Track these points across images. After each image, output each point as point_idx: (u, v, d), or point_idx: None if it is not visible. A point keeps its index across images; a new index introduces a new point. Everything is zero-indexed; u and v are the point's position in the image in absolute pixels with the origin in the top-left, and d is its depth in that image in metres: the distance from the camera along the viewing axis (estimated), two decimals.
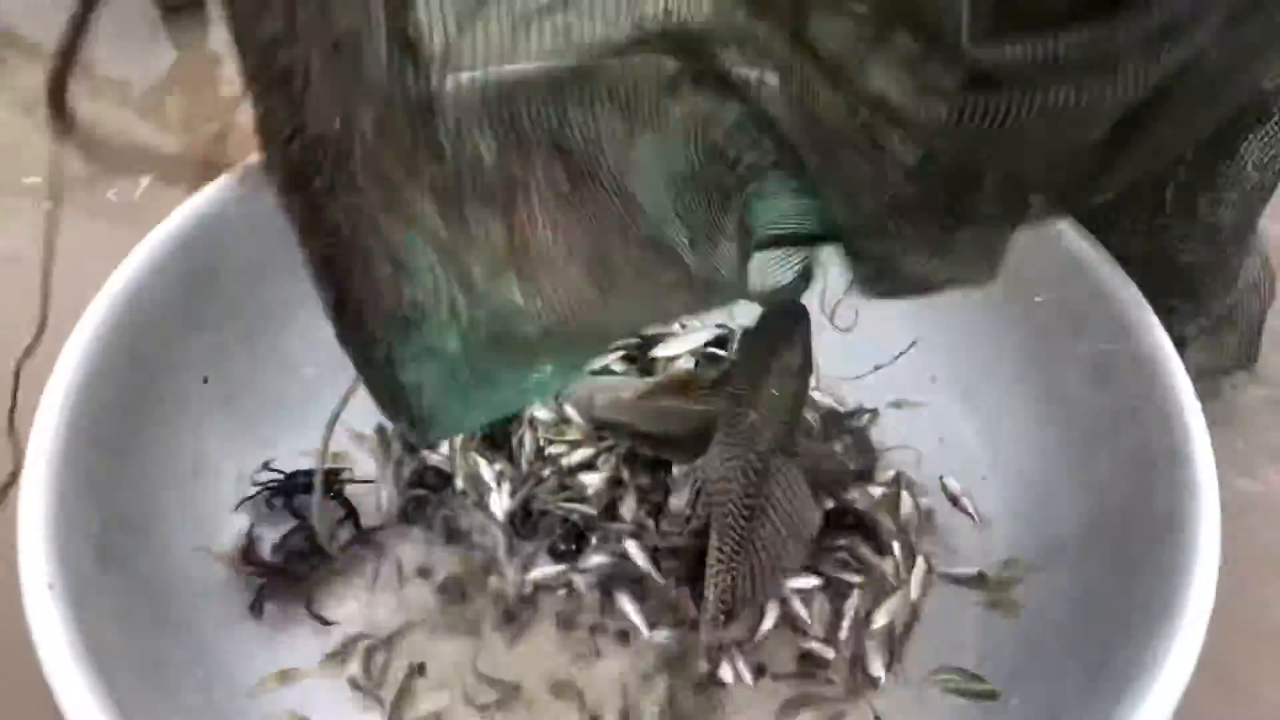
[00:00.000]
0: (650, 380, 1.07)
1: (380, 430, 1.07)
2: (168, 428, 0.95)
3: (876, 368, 1.12)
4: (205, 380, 0.99)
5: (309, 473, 0.98)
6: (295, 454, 1.01)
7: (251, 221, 0.97)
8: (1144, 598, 0.78)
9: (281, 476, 1.01)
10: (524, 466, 1.04)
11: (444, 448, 1.06)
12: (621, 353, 1.13)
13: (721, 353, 1.13)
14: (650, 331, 1.15)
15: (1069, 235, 0.94)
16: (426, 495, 1.03)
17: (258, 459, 1.02)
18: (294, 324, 1.02)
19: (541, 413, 1.07)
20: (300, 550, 0.97)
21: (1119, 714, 0.71)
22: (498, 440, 1.06)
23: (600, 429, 1.05)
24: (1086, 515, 0.91)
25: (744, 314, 1.15)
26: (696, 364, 1.12)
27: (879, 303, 1.10)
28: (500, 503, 1.01)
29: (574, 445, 1.04)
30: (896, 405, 1.10)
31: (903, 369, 1.10)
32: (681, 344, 1.14)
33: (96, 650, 0.74)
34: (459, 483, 1.04)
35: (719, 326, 1.16)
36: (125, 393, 0.91)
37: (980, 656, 0.92)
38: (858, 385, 1.11)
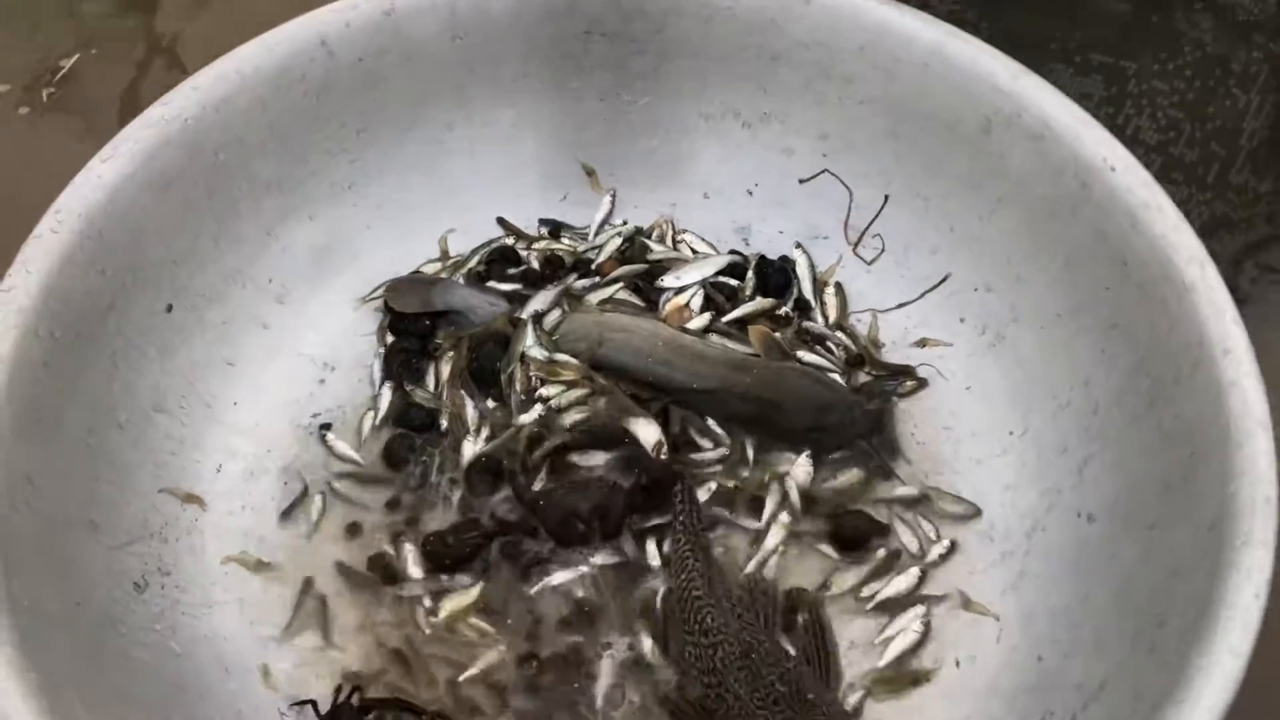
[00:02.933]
0: (669, 329, 0.99)
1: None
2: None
3: (901, 304, 1.03)
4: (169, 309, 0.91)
5: None
6: None
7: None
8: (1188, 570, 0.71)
9: None
10: (512, 406, 0.96)
11: (430, 383, 0.99)
12: (621, 284, 1.04)
13: (734, 282, 1.04)
14: (656, 256, 1.07)
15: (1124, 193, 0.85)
16: (410, 436, 0.96)
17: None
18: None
19: (535, 350, 0.98)
20: None
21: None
22: (487, 376, 0.98)
23: (599, 369, 0.97)
24: (1120, 487, 0.83)
25: (757, 242, 1.09)
26: (707, 298, 1.03)
27: (909, 231, 1.04)
28: (472, 448, 0.94)
29: (568, 386, 0.96)
30: (920, 344, 1.01)
31: (930, 305, 1.02)
32: (692, 272, 1.04)
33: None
34: (443, 421, 0.96)
35: (733, 253, 1.07)
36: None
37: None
38: (882, 321, 1.03)
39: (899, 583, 0.89)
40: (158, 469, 0.89)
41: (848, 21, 0.96)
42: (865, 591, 0.89)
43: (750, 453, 0.95)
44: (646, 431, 0.93)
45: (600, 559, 0.89)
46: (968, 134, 0.95)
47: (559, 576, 0.88)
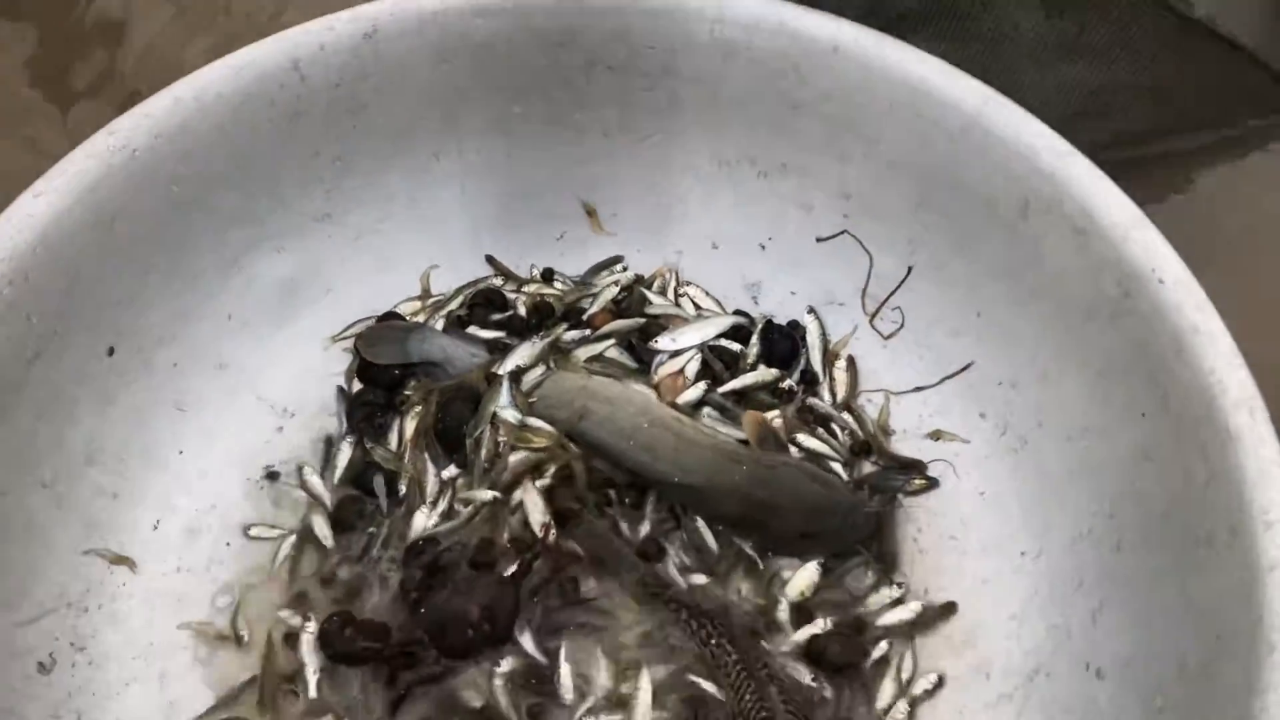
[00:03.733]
0: (660, 407, 0.89)
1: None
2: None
3: (918, 388, 0.93)
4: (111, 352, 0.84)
5: None
6: None
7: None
8: None
9: None
10: (474, 473, 0.88)
11: (393, 440, 0.91)
12: (613, 340, 0.95)
13: (736, 347, 0.95)
14: (655, 310, 0.97)
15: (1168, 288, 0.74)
16: (362, 500, 0.88)
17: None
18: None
19: (508, 412, 0.90)
20: None
21: None
22: (454, 437, 0.90)
23: (575, 441, 0.88)
24: (1135, 648, 0.73)
25: (767, 302, 0.99)
26: (705, 363, 0.94)
27: (932, 309, 0.94)
28: (424, 522, 0.86)
29: (536, 455, 0.88)
30: (934, 436, 0.91)
31: (949, 393, 0.91)
32: (691, 334, 0.95)
33: None
34: (401, 486, 0.88)
35: (739, 314, 0.97)
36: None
37: None
38: (895, 405, 0.93)
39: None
40: (86, 528, 0.82)
41: (877, 76, 0.86)
42: None
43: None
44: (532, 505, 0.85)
45: (507, 665, 0.78)
46: (1004, 214, 0.84)
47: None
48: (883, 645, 0.82)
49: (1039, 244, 0.82)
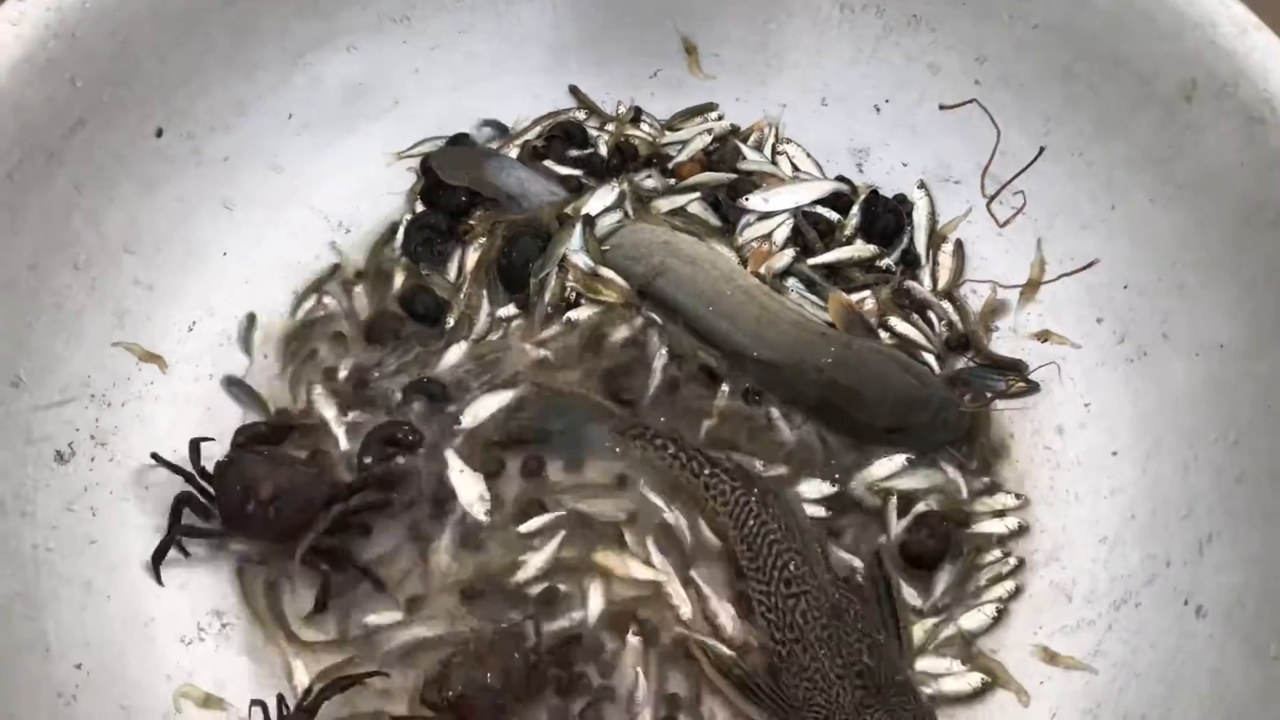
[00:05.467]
0: (746, 275, 0.82)
1: None
2: None
3: (1030, 283, 0.84)
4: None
5: None
6: None
7: None
8: None
9: None
10: (535, 318, 0.81)
11: (452, 271, 0.84)
12: (700, 194, 0.87)
13: (834, 216, 0.86)
14: (748, 166, 0.89)
15: None
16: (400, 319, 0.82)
17: None
18: None
19: (580, 257, 0.82)
20: None
21: None
22: (517, 276, 0.83)
23: (647, 299, 0.81)
24: (1247, 588, 0.65)
25: (874, 171, 0.90)
26: (796, 230, 0.85)
27: (1059, 197, 0.84)
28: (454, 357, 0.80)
29: (605, 309, 0.81)
30: (1042, 338, 0.83)
31: (1064, 292, 0.82)
32: (785, 196, 0.86)
33: None
34: (449, 318, 0.82)
35: (840, 180, 0.88)
36: None
37: None
38: (1002, 298, 0.84)
39: (970, 619, 0.73)
40: (118, 319, 0.76)
41: None
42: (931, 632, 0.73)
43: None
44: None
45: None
46: (1163, 94, 0.74)
47: None
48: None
49: (1201, 132, 0.72)
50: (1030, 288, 0.83)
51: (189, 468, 0.73)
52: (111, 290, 0.76)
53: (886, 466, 0.77)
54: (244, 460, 0.72)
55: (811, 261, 0.84)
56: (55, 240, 0.72)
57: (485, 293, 0.82)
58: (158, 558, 0.71)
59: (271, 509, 0.70)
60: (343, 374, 0.80)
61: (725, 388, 0.79)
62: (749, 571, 0.70)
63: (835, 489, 0.76)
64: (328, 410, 0.79)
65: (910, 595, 0.74)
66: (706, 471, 0.73)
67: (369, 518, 0.73)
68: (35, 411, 0.70)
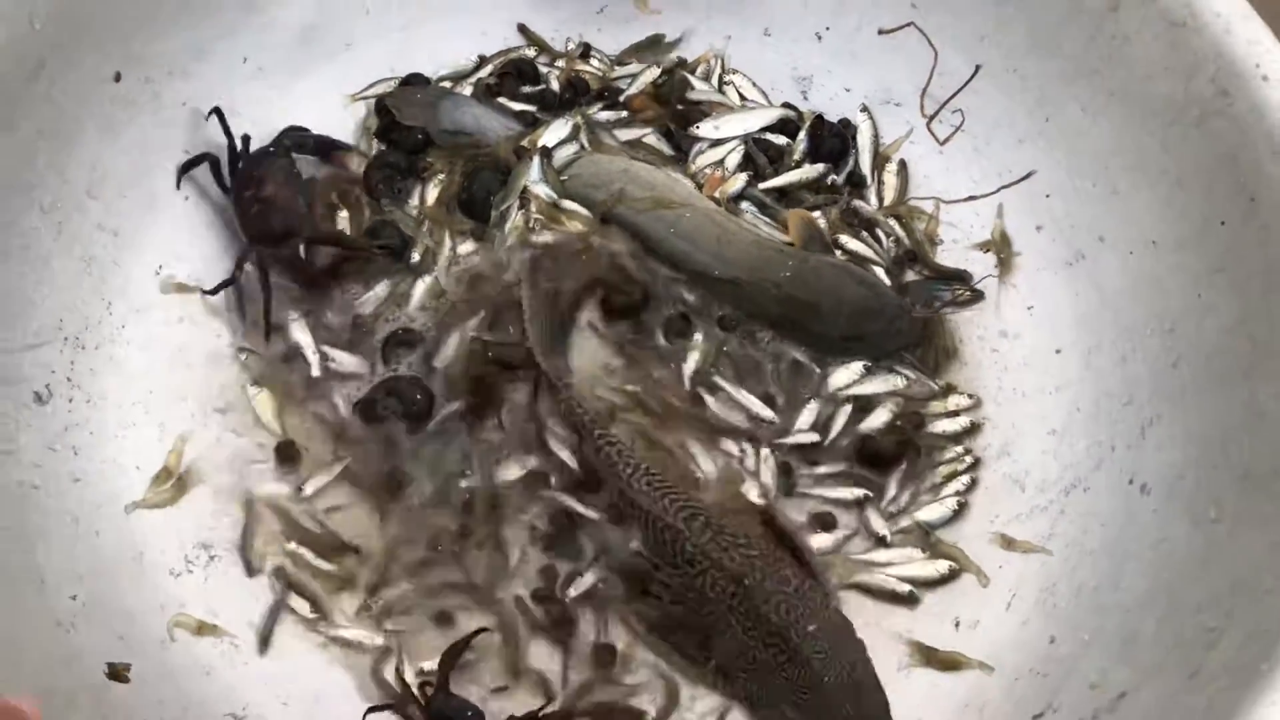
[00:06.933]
0: (704, 199, 0.84)
1: None
2: None
3: (971, 197, 0.88)
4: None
5: None
6: None
7: None
8: None
9: None
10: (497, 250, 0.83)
11: (414, 200, 0.86)
12: (651, 128, 0.89)
13: (782, 141, 0.89)
14: (697, 96, 0.91)
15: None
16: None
17: None
18: None
19: (541, 187, 0.84)
20: None
21: None
22: (478, 208, 0.85)
23: (608, 224, 0.83)
24: (1188, 462, 0.70)
25: (817, 98, 0.93)
26: (747, 156, 0.88)
27: (996, 112, 0.88)
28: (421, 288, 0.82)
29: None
30: (984, 248, 0.87)
31: (1004, 204, 0.86)
32: (735, 123, 0.89)
33: None
34: (414, 253, 0.83)
35: (786, 106, 0.91)
36: None
37: None
38: (945, 213, 0.88)
39: (931, 511, 0.77)
40: (85, 264, 0.77)
41: None
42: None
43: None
44: None
45: None
46: (1091, 6, 0.78)
47: None
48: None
49: (1128, 41, 0.77)
50: (1002, 259, 0.86)
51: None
52: (78, 234, 0.76)
53: (846, 375, 0.80)
54: (273, 159, 0.81)
55: (763, 186, 0.87)
56: (20, 183, 0.72)
57: (447, 227, 0.84)
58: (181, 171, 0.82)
59: (258, 205, 0.79)
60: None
61: (699, 335, 0.81)
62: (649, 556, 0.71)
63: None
64: (302, 336, 0.80)
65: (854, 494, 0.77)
66: (604, 452, 0.73)
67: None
68: (10, 354, 0.71)
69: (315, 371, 0.79)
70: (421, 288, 0.82)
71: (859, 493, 0.77)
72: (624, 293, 0.80)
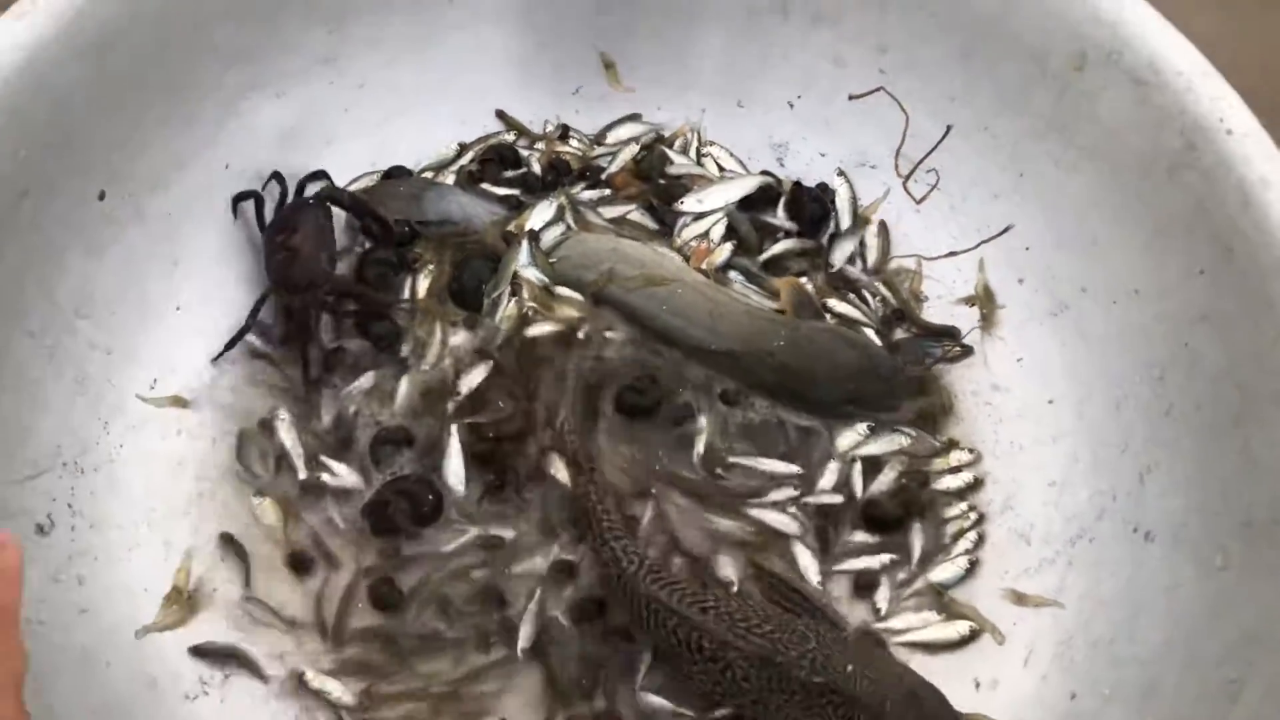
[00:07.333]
0: (694, 273, 0.86)
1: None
2: None
3: (952, 253, 0.89)
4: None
5: None
6: None
7: None
8: None
9: None
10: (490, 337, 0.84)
11: (406, 291, 0.86)
12: (635, 205, 0.90)
13: (774, 221, 0.90)
14: (677, 170, 0.92)
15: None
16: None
17: None
18: None
19: (530, 271, 0.85)
20: None
21: None
22: (468, 295, 0.85)
23: (600, 304, 0.84)
24: (1189, 510, 0.71)
25: (794, 164, 0.94)
26: (730, 229, 0.89)
27: (970, 170, 0.90)
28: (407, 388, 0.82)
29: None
30: (969, 302, 0.88)
31: (985, 260, 0.88)
32: (717, 195, 0.90)
33: None
34: (405, 346, 0.83)
35: (765, 174, 0.93)
36: None
37: None
38: (927, 271, 0.89)
39: (943, 571, 0.78)
40: (80, 385, 0.76)
41: None
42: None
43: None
44: None
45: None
46: (1056, 67, 0.80)
47: None
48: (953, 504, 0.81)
49: (1095, 99, 0.78)
50: (985, 314, 0.87)
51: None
52: (70, 356, 0.76)
53: (852, 437, 0.81)
54: (309, 209, 0.84)
55: (747, 259, 0.88)
56: (9, 311, 0.72)
57: (438, 320, 0.84)
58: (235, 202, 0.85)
59: (284, 252, 0.81)
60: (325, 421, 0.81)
61: (704, 419, 0.81)
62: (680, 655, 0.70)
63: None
64: (287, 438, 0.80)
65: (881, 560, 0.78)
66: (609, 547, 0.73)
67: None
68: (10, 487, 0.70)
69: (302, 475, 0.78)
70: (407, 385, 0.82)
71: (885, 559, 0.78)
72: (640, 393, 0.80)
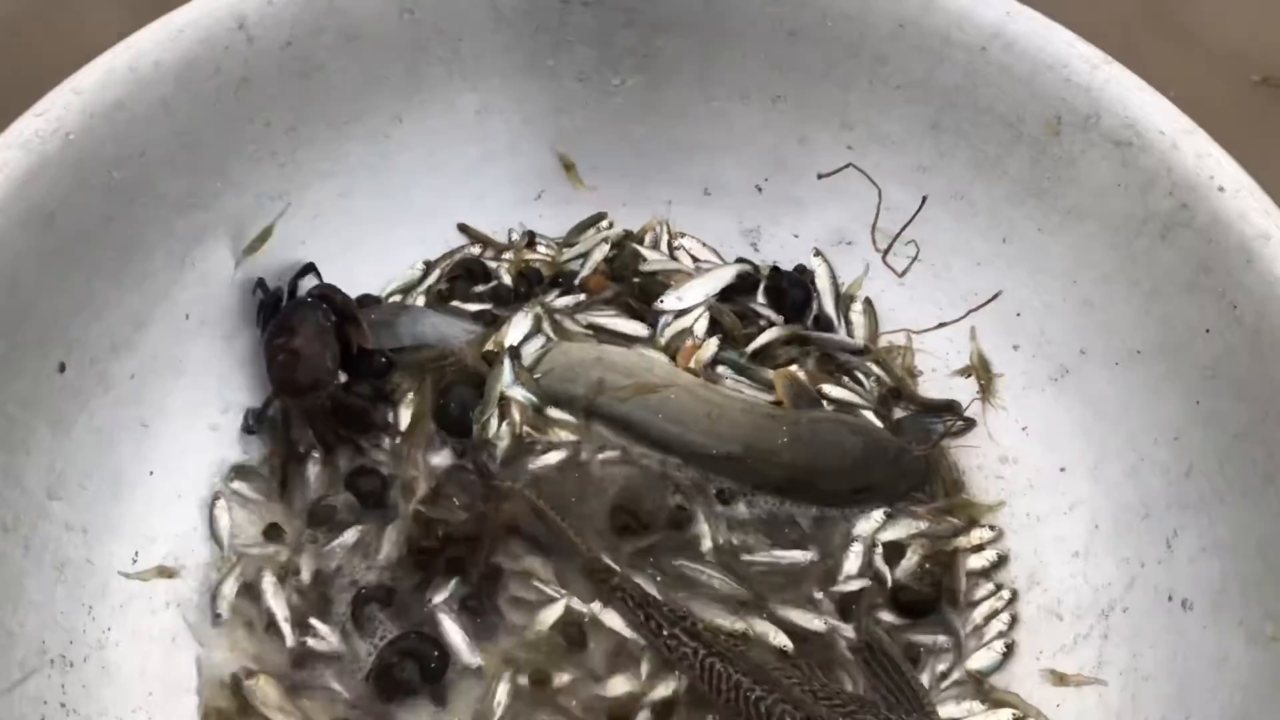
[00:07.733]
0: (686, 375, 0.83)
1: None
2: None
3: (941, 324, 0.88)
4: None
5: None
6: None
7: None
8: None
9: None
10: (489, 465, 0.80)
11: (386, 440, 0.82)
12: (612, 308, 0.88)
13: (764, 311, 0.89)
14: (651, 267, 0.90)
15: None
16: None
17: None
18: None
19: (517, 391, 0.82)
20: None
21: None
22: (454, 422, 0.82)
23: (595, 419, 0.81)
24: (1226, 575, 0.69)
25: (768, 248, 0.93)
26: (713, 321, 0.87)
27: (951, 239, 0.88)
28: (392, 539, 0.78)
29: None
30: (965, 373, 0.86)
31: (977, 328, 0.87)
32: (696, 289, 0.88)
33: None
34: (393, 492, 0.80)
35: (741, 262, 0.91)
36: None
37: None
38: (918, 344, 0.88)
39: (981, 658, 0.76)
40: (59, 572, 0.71)
41: None
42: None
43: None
44: None
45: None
46: (1031, 133, 0.79)
47: None
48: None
49: (1074, 163, 0.78)
50: (984, 385, 0.86)
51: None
52: (46, 543, 0.71)
53: (868, 525, 0.79)
54: (308, 310, 0.81)
55: (735, 351, 0.86)
56: None
57: (420, 455, 0.81)
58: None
59: (285, 355, 0.80)
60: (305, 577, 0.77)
61: (705, 525, 0.79)
62: None
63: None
64: (275, 603, 0.76)
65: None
66: (665, 633, 0.72)
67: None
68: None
69: (290, 642, 0.74)
70: (392, 535, 0.78)
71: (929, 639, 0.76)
72: (639, 521, 0.78)
